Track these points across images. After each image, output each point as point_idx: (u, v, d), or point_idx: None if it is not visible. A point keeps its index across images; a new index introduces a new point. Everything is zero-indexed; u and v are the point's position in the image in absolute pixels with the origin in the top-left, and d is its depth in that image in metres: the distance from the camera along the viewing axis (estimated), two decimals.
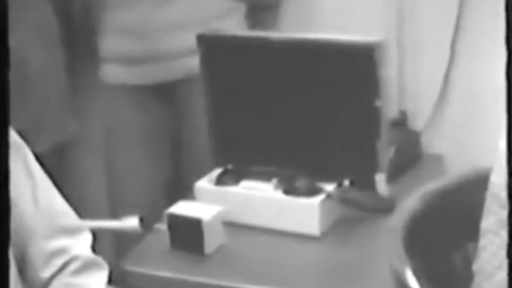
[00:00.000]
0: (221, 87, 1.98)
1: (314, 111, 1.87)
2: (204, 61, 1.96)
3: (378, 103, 1.81)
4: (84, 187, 2.52)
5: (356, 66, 1.81)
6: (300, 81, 1.87)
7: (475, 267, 1.22)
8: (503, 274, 1.16)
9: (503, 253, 1.16)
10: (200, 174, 2.00)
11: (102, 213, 2.36)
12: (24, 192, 1.34)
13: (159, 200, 2.30)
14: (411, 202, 1.54)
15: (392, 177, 1.96)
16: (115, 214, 2.15)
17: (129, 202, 2.39)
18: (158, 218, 1.91)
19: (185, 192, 2.04)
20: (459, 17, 2.20)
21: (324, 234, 1.80)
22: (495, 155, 1.20)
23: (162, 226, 1.85)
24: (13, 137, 1.38)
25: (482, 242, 1.20)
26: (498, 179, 1.19)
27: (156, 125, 2.35)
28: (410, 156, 2.18)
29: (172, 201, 1.94)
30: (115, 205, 2.39)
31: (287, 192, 1.82)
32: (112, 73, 2.33)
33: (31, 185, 1.35)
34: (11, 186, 1.30)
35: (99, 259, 1.43)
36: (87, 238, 1.44)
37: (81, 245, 1.41)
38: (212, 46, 1.96)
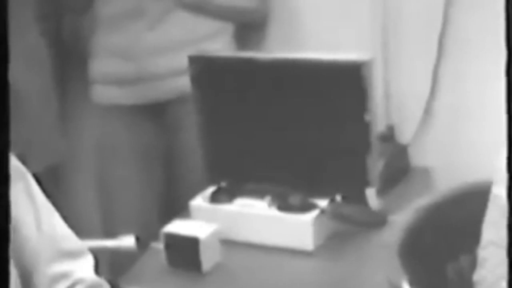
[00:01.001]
0: (213, 106, 2.01)
1: (304, 128, 1.91)
2: (196, 81, 2.00)
3: (367, 118, 1.85)
4: (77, 207, 2.55)
5: (345, 84, 1.85)
6: (291, 99, 1.90)
7: (476, 277, 1.26)
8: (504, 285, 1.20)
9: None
10: (192, 192, 2.03)
11: (96, 232, 2.38)
12: (27, 218, 1.35)
13: (152, 219, 2.33)
14: (404, 217, 1.58)
15: (382, 191, 2.00)
16: (108, 234, 2.18)
17: (123, 221, 2.41)
18: (152, 237, 1.94)
19: (179, 210, 2.07)
20: (442, 34, 2.25)
21: (318, 249, 1.83)
22: (495, 169, 1.24)
23: (158, 245, 1.87)
24: (14, 162, 1.40)
25: (483, 253, 1.24)
26: (503, 192, 1.23)
27: (147, 144, 2.38)
28: (398, 170, 2.22)
29: (166, 219, 1.97)
30: (108, 224, 2.41)
31: (281, 208, 1.86)
32: (103, 93, 2.37)
33: (33, 211, 1.37)
34: (13, 211, 1.33)
35: (102, 281, 1.45)
36: (89, 260, 1.46)
37: (84, 268, 1.43)
38: (203, 67, 1.99)
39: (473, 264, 1.40)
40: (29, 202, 1.37)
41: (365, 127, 1.86)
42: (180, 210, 2.03)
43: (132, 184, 2.38)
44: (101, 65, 2.35)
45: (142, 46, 2.26)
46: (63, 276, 1.38)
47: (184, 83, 2.10)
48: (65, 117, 2.56)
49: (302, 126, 1.92)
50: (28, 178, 1.40)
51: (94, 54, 2.37)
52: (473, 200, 1.54)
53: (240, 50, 2.34)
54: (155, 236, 1.93)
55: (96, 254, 1.64)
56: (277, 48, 2.37)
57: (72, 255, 1.42)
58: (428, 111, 2.34)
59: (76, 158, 2.60)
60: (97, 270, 1.49)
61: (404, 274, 1.32)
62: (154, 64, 2.26)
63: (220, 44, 2.27)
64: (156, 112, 2.34)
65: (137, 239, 1.83)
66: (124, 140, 2.37)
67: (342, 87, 1.85)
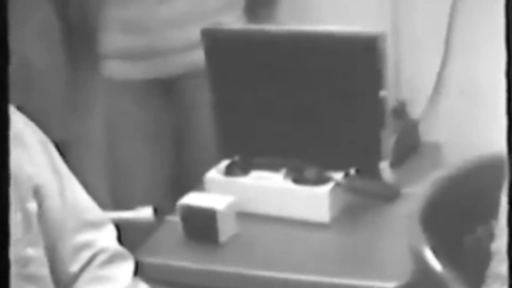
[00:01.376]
0: (226, 80, 2.02)
1: (319, 102, 1.92)
2: (209, 55, 2.00)
3: (382, 93, 1.86)
4: (88, 182, 2.55)
5: (360, 58, 1.86)
6: (305, 73, 1.91)
7: (494, 247, 1.28)
8: None
9: None
10: (204, 167, 2.04)
11: (108, 208, 2.39)
12: (52, 189, 1.36)
13: (165, 194, 2.34)
14: (421, 189, 1.60)
15: (394, 165, 2.01)
16: (119, 209, 2.18)
17: (134, 196, 2.42)
18: (166, 211, 1.96)
19: (192, 185, 2.08)
20: (454, 6, 2.26)
21: (333, 221, 1.85)
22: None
23: (174, 218, 1.89)
24: (39, 133, 1.41)
25: (502, 221, 1.25)
26: None
27: (159, 119, 2.38)
28: (409, 144, 2.24)
29: (178, 194, 1.98)
30: (120, 200, 2.42)
31: (296, 181, 1.87)
32: (114, 68, 2.36)
33: (57, 181, 1.38)
34: (38, 181, 1.34)
35: (124, 250, 1.47)
36: (112, 230, 1.48)
37: (106, 238, 1.45)
38: (216, 40, 2.00)
39: (490, 235, 1.42)
40: (53, 173, 1.38)
41: (380, 102, 1.87)
42: (193, 185, 2.04)
43: (144, 159, 2.39)
44: (112, 39, 2.35)
45: (153, 20, 2.26)
46: (87, 245, 1.40)
47: (196, 57, 2.10)
48: (76, 92, 2.56)
49: (316, 100, 1.92)
50: (50, 148, 1.41)
51: (104, 29, 2.36)
52: (489, 172, 1.56)
53: (251, 24, 2.34)
54: (168, 211, 1.94)
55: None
56: (288, 23, 2.37)
57: (95, 225, 1.44)
58: (438, 86, 2.35)
59: (87, 133, 2.60)
60: (119, 239, 1.51)
61: (425, 241, 1.34)
62: (166, 37, 2.26)
63: (231, 17, 2.27)
64: (168, 87, 2.34)
65: (155, 210, 1.84)
66: (135, 115, 2.37)
67: (357, 60, 1.86)
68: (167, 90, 2.35)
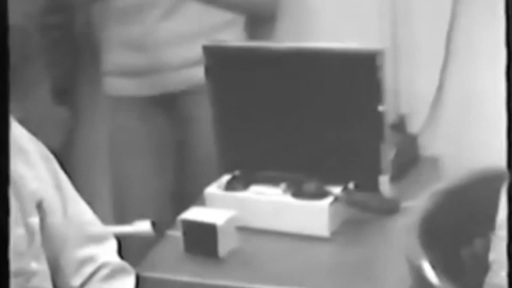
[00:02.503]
0: (227, 96, 2.04)
1: (319, 117, 1.94)
2: (209, 71, 2.02)
3: (381, 108, 1.88)
4: (89, 197, 2.56)
5: (359, 73, 1.87)
6: (305, 88, 1.93)
7: (492, 257, 1.29)
8: None
9: None
10: (204, 182, 2.05)
11: (108, 222, 2.40)
12: (54, 203, 1.38)
13: (166, 209, 2.35)
14: (420, 202, 1.61)
15: (393, 179, 2.02)
16: (121, 223, 2.20)
17: (135, 211, 2.43)
18: (167, 226, 1.97)
19: (191, 199, 2.09)
20: (452, 21, 2.27)
21: (333, 235, 1.86)
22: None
23: (174, 232, 1.90)
24: (42, 148, 1.43)
25: (500, 232, 1.26)
26: None
27: (159, 134, 2.40)
28: (409, 158, 2.25)
29: (178, 209, 1.99)
30: (120, 214, 2.43)
31: (296, 195, 1.89)
32: (116, 85, 2.39)
33: (60, 196, 1.40)
34: (43, 196, 1.35)
35: (126, 264, 1.48)
36: (113, 244, 1.49)
37: (108, 252, 1.46)
38: (217, 57, 2.02)
39: (486, 248, 1.43)
40: (55, 188, 1.39)
41: (379, 117, 1.88)
42: (194, 199, 2.05)
43: (145, 175, 2.41)
44: (113, 56, 2.37)
45: (154, 37, 2.28)
46: (89, 259, 1.42)
47: (196, 74, 2.13)
48: (78, 109, 2.58)
49: (316, 116, 1.94)
50: (53, 163, 1.43)
51: (106, 46, 2.39)
52: (487, 185, 1.58)
53: (250, 41, 2.36)
54: (169, 225, 1.96)
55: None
56: (287, 41, 2.39)
57: (97, 239, 1.45)
58: (437, 100, 2.36)
59: (88, 149, 2.62)
60: (119, 253, 1.52)
61: (423, 255, 1.35)
62: (167, 54, 2.28)
63: (230, 36, 2.29)
64: (169, 104, 2.36)
65: (153, 224, 1.85)
66: (136, 131, 2.39)
67: (356, 76, 1.87)
68: (168, 106, 2.37)
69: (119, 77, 2.36)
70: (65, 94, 2.47)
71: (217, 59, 2.01)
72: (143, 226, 1.91)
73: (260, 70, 1.97)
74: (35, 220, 1.31)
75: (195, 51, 2.04)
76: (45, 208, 1.35)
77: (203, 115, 2.14)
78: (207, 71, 2.02)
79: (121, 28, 2.32)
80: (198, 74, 2.07)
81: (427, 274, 1.32)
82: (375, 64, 1.84)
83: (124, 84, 2.37)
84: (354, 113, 1.90)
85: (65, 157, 2.46)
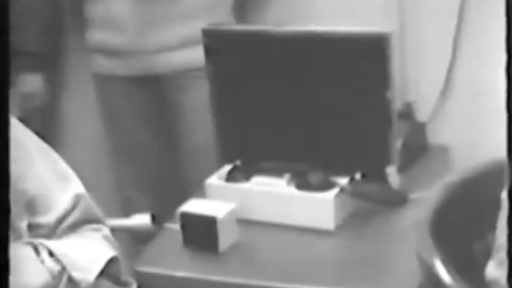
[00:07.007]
0: (227, 82, 1.96)
1: (324, 104, 1.86)
2: (209, 56, 1.94)
3: (389, 94, 1.80)
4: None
5: (367, 58, 1.79)
6: (310, 74, 1.85)
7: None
8: None
9: None
10: (201, 172, 1.98)
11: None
12: (54, 198, 1.34)
13: (163, 199, 2.29)
14: (429, 194, 1.54)
15: (401, 169, 1.95)
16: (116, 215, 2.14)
17: (132, 203, 2.37)
18: (166, 217, 1.90)
19: (189, 190, 2.02)
20: (461, 9, 2.20)
21: (339, 228, 1.79)
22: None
23: (173, 225, 1.83)
24: (37, 140, 1.38)
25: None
26: None
27: (147, 113, 2.35)
28: (417, 147, 2.17)
29: (176, 199, 1.92)
30: (114, 206, 2.38)
31: (300, 187, 1.81)
32: (100, 63, 2.33)
33: (63, 188, 1.36)
34: (43, 189, 1.31)
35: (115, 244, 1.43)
36: (107, 231, 1.45)
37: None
38: (217, 41, 1.94)
39: None
40: (59, 180, 1.37)
41: (386, 104, 1.81)
42: (193, 190, 1.98)
43: (138, 147, 2.36)
44: (97, 35, 2.30)
45: (140, 17, 2.21)
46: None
47: (184, 56, 2.11)
48: (64, 85, 2.55)
49: (320, 102, 1.86)
50: (54, 156, 1.40)
51: (91, 24, 2.32)
52: (499, 176, 1.50)
53: (238, 23, 2.28)
54: (168, 217, 1.88)
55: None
56: (279, 22, 2.30)
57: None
58: (446, 88, 2.29)
59: (75, 126, 2.61)
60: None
61: (435, 252, 1.27)
62: (153, 35, 2.21)
63: (219, 16, 2.20)
64: (153, 87, 2.29)
65: (153, 217, 1.78)
66: (123, 109, 2.33)
67: (363, 59, 1.79)
68: (151, 89, 2.29)
69: (104, 55, 2.30)
70: (42, 62, 2.42)
71: (217, 43, 1.93)
72: (142, 219, 1.83)
73: (263, 55, 1.89)
74: (23, 224, 1.27)
75: (179, 33, 2.05)
76: (37, 207, 1.31)
77: (201, 100, 2.07)
78: (206, 55, 1.93)
79: (106, 7, 2.24)
80: (186, 57, 2.04)
81: (440, 272, 1.24)
82: (382, 47, 1.76)
83: (108, 63, 2.30)
84: (360, 99, 1.82)
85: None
